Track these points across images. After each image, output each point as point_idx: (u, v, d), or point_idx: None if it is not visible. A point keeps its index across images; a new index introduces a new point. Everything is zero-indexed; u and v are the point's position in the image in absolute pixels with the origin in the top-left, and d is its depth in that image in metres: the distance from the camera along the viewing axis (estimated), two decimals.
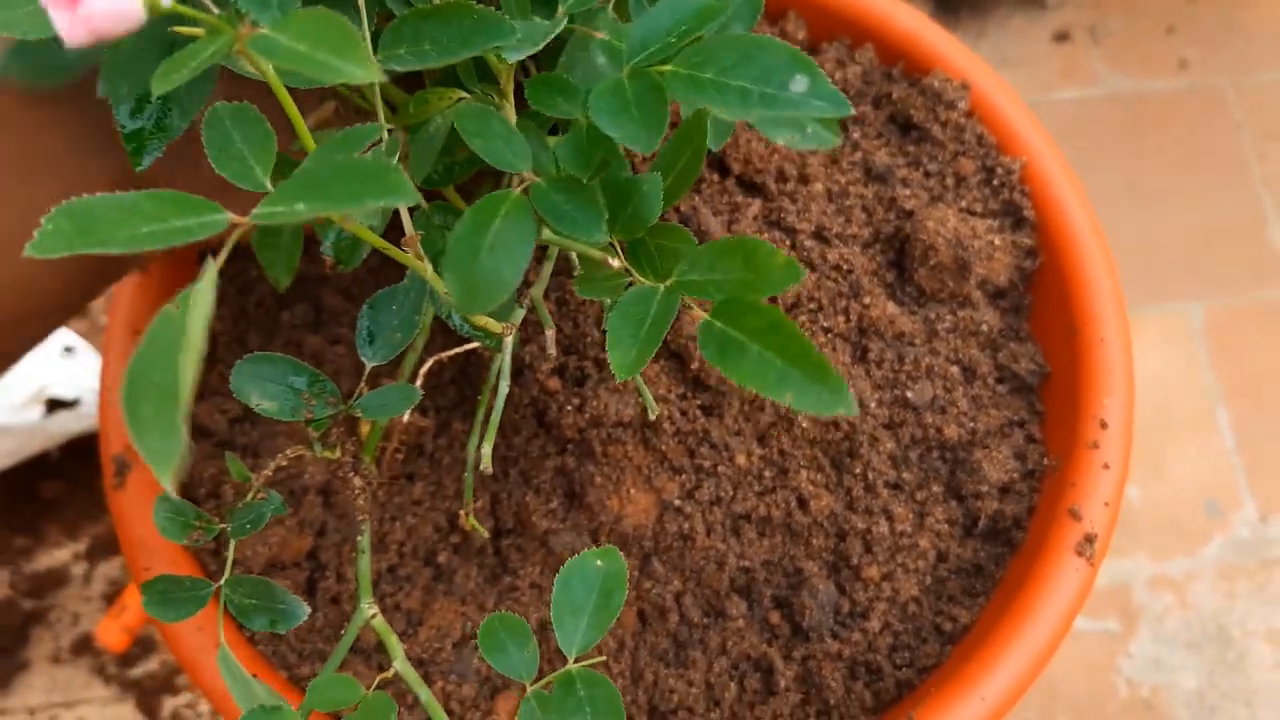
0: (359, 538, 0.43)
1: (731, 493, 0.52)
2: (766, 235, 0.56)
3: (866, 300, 0.55)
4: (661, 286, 0.35)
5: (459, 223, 0.33)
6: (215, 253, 0.28)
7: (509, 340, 0.40)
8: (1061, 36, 1.12)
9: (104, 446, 0.54)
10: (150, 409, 0.25)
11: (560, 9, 0.35)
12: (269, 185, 0.31)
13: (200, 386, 0.58)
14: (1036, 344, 0.57)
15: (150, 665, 0.88)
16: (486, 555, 0.53)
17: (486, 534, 0.50)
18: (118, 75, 0.34)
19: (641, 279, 0.37)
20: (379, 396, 0.40)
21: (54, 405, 0.88)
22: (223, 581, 0.40)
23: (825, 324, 0.55)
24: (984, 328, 0.57)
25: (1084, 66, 1.11)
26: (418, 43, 0.33)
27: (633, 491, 0.51)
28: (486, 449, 0.40)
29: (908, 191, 0.58)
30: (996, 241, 0.57)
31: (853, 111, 0.30)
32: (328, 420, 0.40)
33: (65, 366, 0.88)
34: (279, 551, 0.52)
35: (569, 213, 0.34)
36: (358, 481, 0.41)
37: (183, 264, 0.61)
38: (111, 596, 0.90)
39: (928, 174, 0.60)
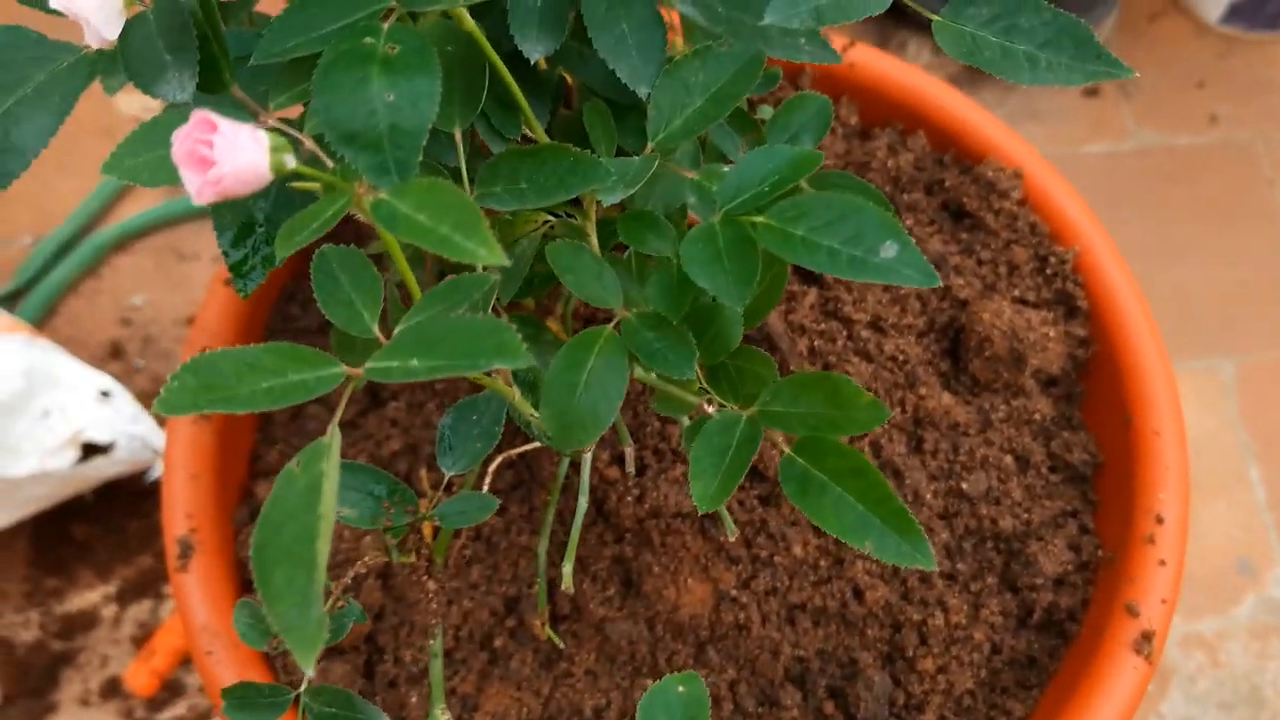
0: (431, 641, 0.43)
1: (788, 582, 0.53)
2: (824, 325, 0.56)
3: (922, 391, 0.56)
4: (744, 415, 0.36)
5: (554, 360, 0.33)
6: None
7: (588, 456, 0.40)
8: (1091, 91, 1.12)
9: (167, 527, 0.54)
10: (283, 578, 0.25)
11: (649, 145, 0.36)
12: (377, 331, 0.31)
13: (259, 465, 0.59)
14: (1089, 433, 0.57)
15: (178, 710, 0.88)
16: (542, 641, 0.53)
17: (563, 645, 0.50)
18: (223, 204, 0.34)
19: (722, 403, 0.37)
20: (457, 504, 0.41)
21: (89, 450, 0.88)
22: (302, 689, 0.40)
23: None
24: (1037, 416, 0.57)
25: (1114, 121, 1.11)
26: (514, 181, 0.34)
27: (689, 581, 0.52)
28: (568, 569, 0.41)
29: (961, 280, 0.59)
30: (1051, 333, 0.57)
31: (940, 283, 0.30)
32: (405, 528, 0.41)
33: (101, 411, 0.89)
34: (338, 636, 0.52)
35: (661, 350, 0.34)
36: (431, 585, 0.42)
37: (243, 322, 0.61)
38: (141, 640, 0.91)
39: (980, 262, 0.60)
